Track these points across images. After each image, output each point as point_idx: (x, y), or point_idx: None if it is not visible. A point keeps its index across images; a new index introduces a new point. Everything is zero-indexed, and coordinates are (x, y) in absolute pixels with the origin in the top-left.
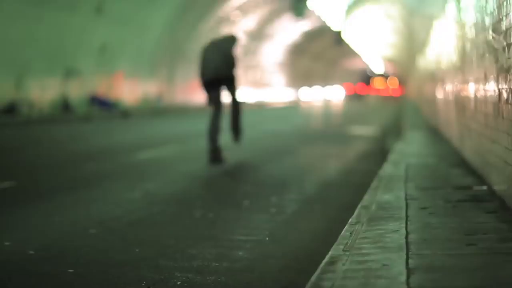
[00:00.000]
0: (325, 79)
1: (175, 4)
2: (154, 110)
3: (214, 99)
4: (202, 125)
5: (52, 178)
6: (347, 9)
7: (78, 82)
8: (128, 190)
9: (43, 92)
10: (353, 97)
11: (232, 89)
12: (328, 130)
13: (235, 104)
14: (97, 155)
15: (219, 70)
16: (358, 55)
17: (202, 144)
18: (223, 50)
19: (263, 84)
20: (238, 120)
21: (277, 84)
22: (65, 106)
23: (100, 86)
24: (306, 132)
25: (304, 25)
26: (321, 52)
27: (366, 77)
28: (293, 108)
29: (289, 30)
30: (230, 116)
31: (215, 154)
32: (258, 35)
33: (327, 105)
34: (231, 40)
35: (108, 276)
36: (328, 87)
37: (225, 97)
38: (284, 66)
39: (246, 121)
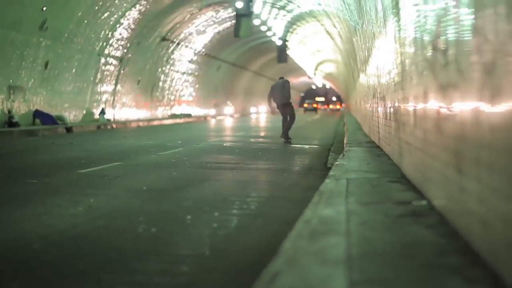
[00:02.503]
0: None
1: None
2: (97, 125)
3: (282, 113)
4: (142, 141)
5: None
6: (289, 26)
7: (21, 98)
8: (72, 204)
9: None
10: (309, 109)
11: (289, 110)
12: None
13: (290, 118)
14: (40, 169)
15: (282, 99)
16: (302, 71)
17: (142, 160)
18: (282, 88)
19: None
20: (289, 129)
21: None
22: (8, 120)
23: (43, 101)
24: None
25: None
26: (263, 69)
27: (312, 94)
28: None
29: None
30: (285, 125)
31: (287, 138)
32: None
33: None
34: (286, 82)
35: None
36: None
37: (287, 113)
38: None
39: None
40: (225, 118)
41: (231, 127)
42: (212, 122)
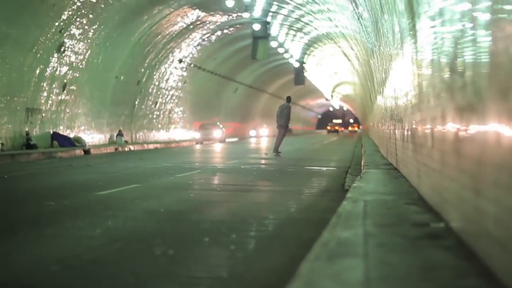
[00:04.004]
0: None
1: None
2: (114, 147)
3: (280, 131)
4: (159, 163)
5: (13, 214)
6: (306, 48)
7: (39, 120)
8: (89, 226)
9: (4, 128)
10: (331, 131)
11: (282, 131)
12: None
13: (278, 137)
14: (58, 191)
15: (279, 121)
16: (319, 93)
17: (159, 182)
18: (282, 112)
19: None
20: (278, 145)
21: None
22: (26, 142)
23: (61, 123)
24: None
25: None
26: (280, 91)
27: (329, 116)
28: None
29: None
30: (276, 139)
31: (277, 152)
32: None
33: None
34: (287, 108)
35: None
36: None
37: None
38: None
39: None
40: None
41: (249, 149)
42: (234, 144)
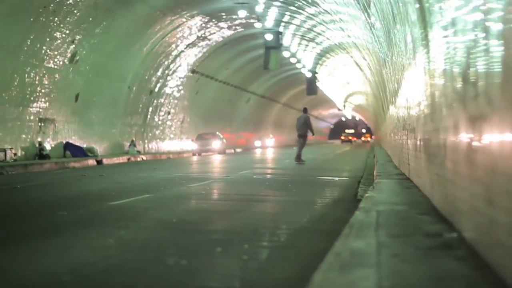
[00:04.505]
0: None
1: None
2: (127, 157)
3: (298, 141)
4: (172, 173)
5: (26, 225)
6: (318, 58)
7: (52, 130)
8: (102, 237)
9: (17, 138)
10: (345, 141)
11: (302, 140)
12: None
13: (300, 146)
14: (71, 201)
15: (300, 131)
16: (332, 103)
17: (172, 192)
18: (303, 124)
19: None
20: (299, 153)
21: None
22: (39, 152)
23: (74, 133)
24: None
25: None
26: (293, 101)
27: (342, 126)
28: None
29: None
30: (298, 148)
31: (300, 160)
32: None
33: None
34: (307, 119)
35: None
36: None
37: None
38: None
39: None
40: (256, 150)
41: (262, 159)
42: (245, 154)
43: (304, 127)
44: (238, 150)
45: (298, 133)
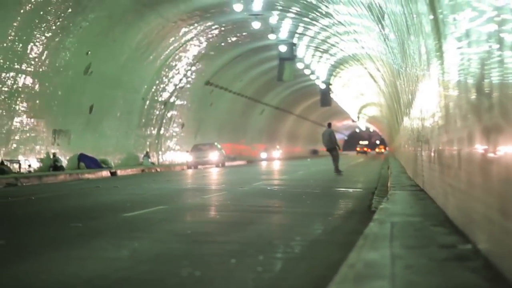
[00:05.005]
0: (311, 141)
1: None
2: (141, 169)
3: (331, 154)
4: (186, 184)
5: (41, 236)
6: (332, 69)
7: (66, 141)
8: (116, 248)
9: (31, 150)
10: (360, 152)
11: (334, 152)
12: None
13: (335, 159)
14: (85, 213)
15: (328, 145)
16: (346, 115)
17: (186, 203)
18: (329, 137)
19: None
20: (337, 165)
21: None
22: (54, 164)
23: (88, 144)
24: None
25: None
26: (306, 112)
27: (356, 138)
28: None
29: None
30: (334, 163)
31: (338, 171)
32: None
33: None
34: (332, 133)
35: None
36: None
37: (333, 154)
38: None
39: None
40: (271, 162)
41: (274, 170)
42: (256, 165)
43: (331, 141)
44: (241, 162)
45: (326, 148)
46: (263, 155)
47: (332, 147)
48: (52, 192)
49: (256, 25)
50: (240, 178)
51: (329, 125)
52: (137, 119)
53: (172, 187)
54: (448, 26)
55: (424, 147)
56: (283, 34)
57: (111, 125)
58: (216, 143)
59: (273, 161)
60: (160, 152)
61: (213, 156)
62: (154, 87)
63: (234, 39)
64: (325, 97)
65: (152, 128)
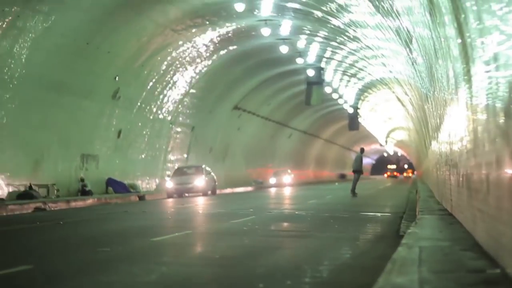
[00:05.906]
0: (338, 165)
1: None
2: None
3: (355, 176)
4: (213, 209)
5: (69, 261)
6: (360, 93)
7: (94, 166)
8: (145, 273)
9: (60, 175)
10: (391, 176)
11: (356, 175)
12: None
13: (355, 180)
14: (113, 237)
15: (355, 167)
16: (374, 139)
17: (214, 228)
18: (357, 160)
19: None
20: (354, 187)
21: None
22: (82, 188)
23: (116, 169)
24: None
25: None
26: (334, 137)
27: (383, 162)
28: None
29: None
30: (353, 182)
31: (354, 193)
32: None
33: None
34: (360, 157)
35: None
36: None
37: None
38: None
39: None
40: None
41: (297, 196)
42: (274, 190)
43: (359, 164)
44: (241, 189)
45: (353, 169)
46: (272, 180)
47: (358, 170)
48: (80, 217)
49: (283, 49)
50: (267, 203)
51: (362, 150)
52: (165, 143)
53: (200, 211)
54: (476, 50)
55: (452, 171)
56: (311, 58)
57: (139, 149)
58: (204, 166)
59: (283, 187)
60: None
61: (199, 182)
62: (182, 112)
63: (262, 64)
64: (353, 121)
65: (179, 152)
